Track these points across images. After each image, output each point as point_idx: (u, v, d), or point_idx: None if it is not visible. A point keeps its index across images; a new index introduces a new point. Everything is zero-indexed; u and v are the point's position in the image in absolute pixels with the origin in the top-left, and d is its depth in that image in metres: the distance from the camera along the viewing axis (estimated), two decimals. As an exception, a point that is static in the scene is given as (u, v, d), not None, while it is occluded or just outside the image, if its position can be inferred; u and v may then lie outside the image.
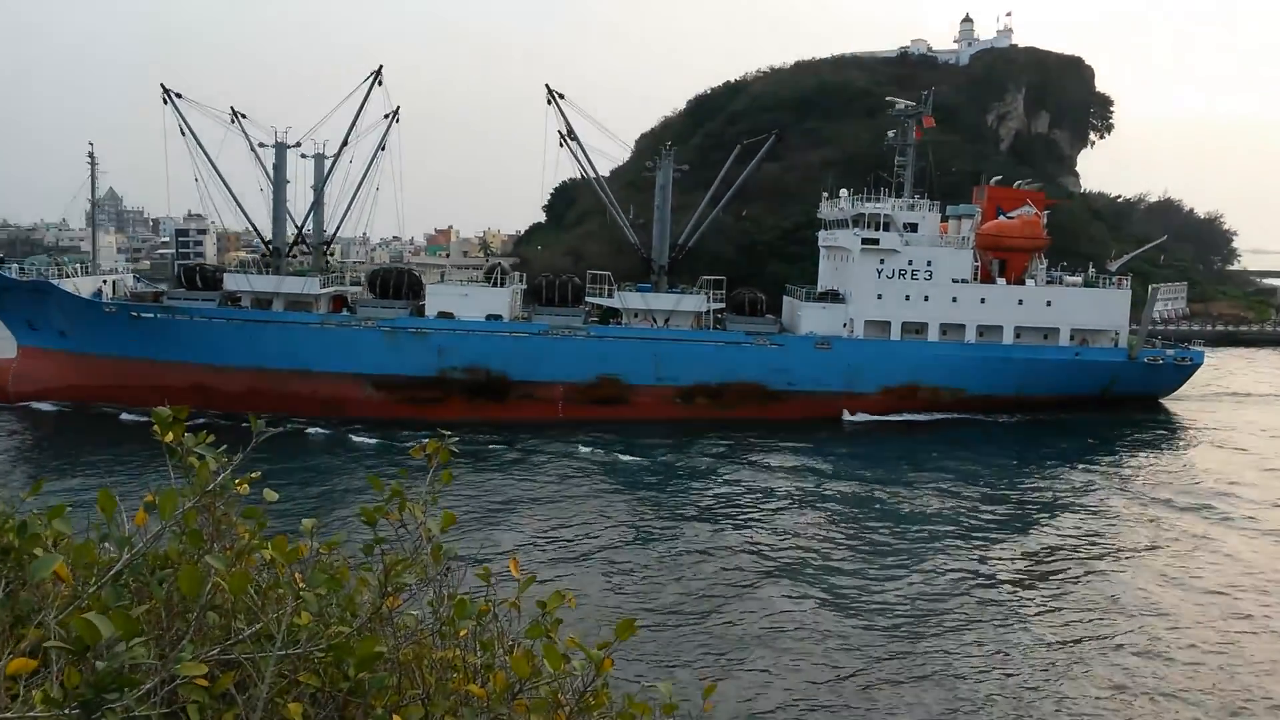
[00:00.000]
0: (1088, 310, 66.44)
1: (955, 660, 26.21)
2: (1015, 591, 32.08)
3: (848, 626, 28.27)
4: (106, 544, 3.73)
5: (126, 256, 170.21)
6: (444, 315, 62.60)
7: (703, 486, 45.89)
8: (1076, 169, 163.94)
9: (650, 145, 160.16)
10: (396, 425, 57.19)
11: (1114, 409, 64.66)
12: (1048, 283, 67.27)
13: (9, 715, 2.41)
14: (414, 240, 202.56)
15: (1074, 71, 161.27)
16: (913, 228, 66.48)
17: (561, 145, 65.56)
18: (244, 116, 65.41)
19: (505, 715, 3.42)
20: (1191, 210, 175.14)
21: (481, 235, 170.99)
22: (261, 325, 61.29)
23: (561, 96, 65.21)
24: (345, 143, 66.51)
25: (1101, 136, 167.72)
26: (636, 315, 64.76)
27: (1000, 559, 35.65)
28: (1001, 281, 66.65)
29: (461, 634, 3.75)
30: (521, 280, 71.41)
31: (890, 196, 68.39)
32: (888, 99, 76.43)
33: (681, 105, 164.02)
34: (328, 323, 62.06)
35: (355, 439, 54.83)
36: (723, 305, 66.43)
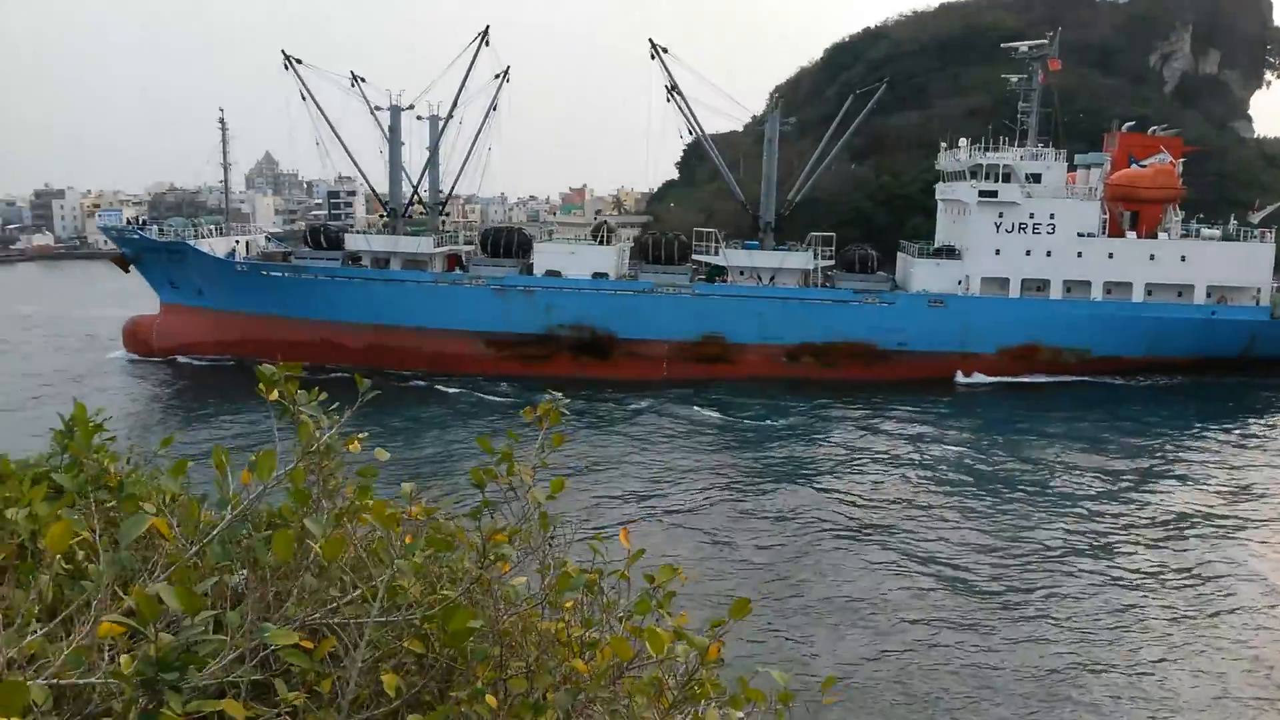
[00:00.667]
0: (1226, 265, 61.88)
1: (1064, 630, 25.38)
2: (1130, 566, 30.80)
3: (954, 600, 27.52)
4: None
5: (283, 218, 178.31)
6: (551, 273, 63.37)
7: (804, 451, 45.03)
8: (1249, 112, 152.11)
9: (786, 96, 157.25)
10: (507, 381, 58.46)
11: (1256, 372, 60.35)
12: (1183, 236, 62.95)
13: (62, 680, 2.37)
14: (550, 199, 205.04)
15: (1248, 4, 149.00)
16: (1036, 178, 63.26)
17: (669, 101, 64.60)
18: (363, 80, 67.34)
19: (609, 694, 3.24)
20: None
21: (615, 193, 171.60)
22: (379, 284, 63.20)
23: (665, 50, 64.32)
24: (455, 104, 67.88)
25: (1279, 76, 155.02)
26: (742, 273, 64.12)
27: (1116, 531, 34.14)
28: (1132, 235, 62.89)
29: (568, 605, 3.58)
30: (630, 239, 71.90)
31: (1013, 146, 65.09)
32: (1002, 44, 71.53)
33: (819, 54, 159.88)
34: (440, 281, 63.74)
35: (481, 395, 56.02)
36: (832, 262, 64.90)
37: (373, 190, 73.23)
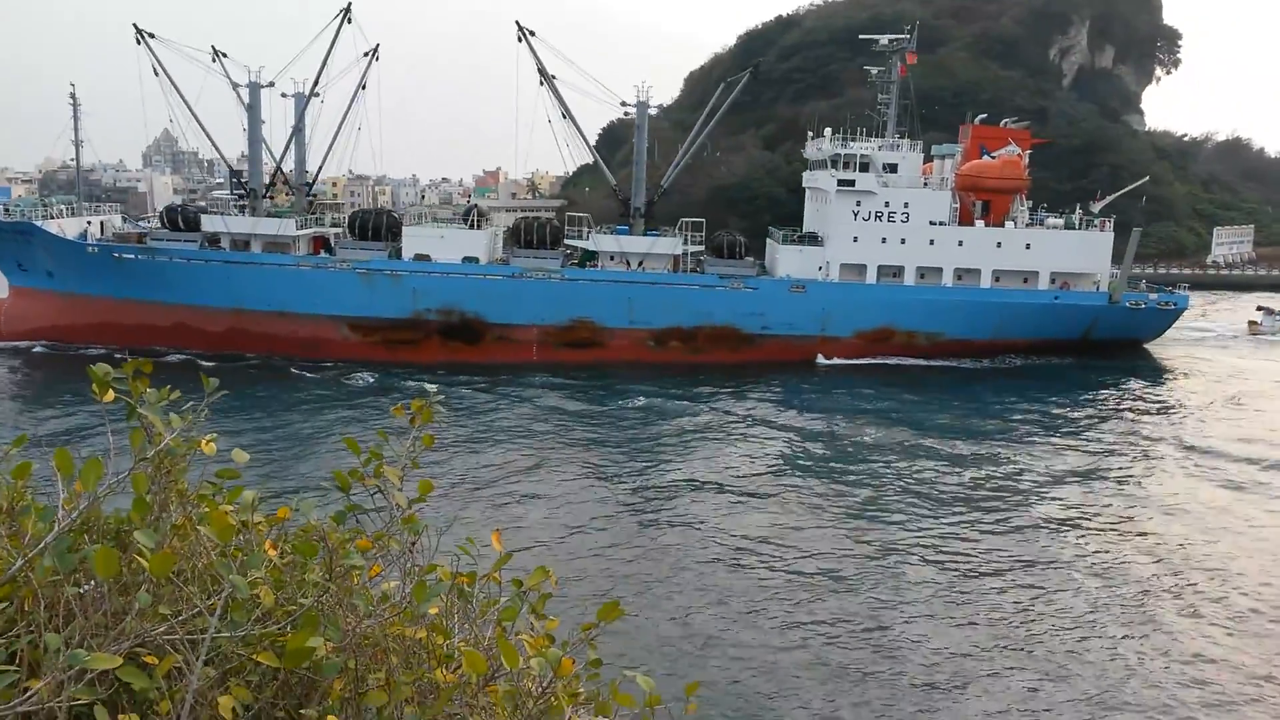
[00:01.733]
0: (1068, 253, 65.09)
1: (909, 618, 26.44)
2: (968, 546, 32.17)
3: (823, 594, 27.91)
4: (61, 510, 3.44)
5: (183, 197, 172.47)
6: (420, 258, 62.42)
7: (671, 435, 45.38)
8: (1141, 106, 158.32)
9: (699, 83, 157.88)
10: (376, 367, 57.39)
11: (1096, 353, 64.04)
12: (1028, 225, 65.87)
13: None
14: (463, 182, 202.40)
15: (1141, 4, 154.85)
16: (892, 168, 65.35)
17: (542, 85, 64.26)
18: (225, 56, 65.23)
19: (474, 705, 3.11)
20: (1262, 150, 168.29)
21: (529, 176, 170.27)
22: (240, 266, 61.43)
23: (533, 34, 63.88)
24: (316, 81, 66.69)
25: (1168, 72, 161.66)
26: (613, 258, 64.42)
27: (958, 505, 35.61)
28: (981, 224, 65.48)
29: (433, 611, 3.44)
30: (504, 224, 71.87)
31: (873, 137, 67.20)
32: (862, 36, 73.59)
33: (732, 42, 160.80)
34: (303, 264, 62.23)
35: (344, 381, 54.72)
36: (702, 248, 65.84)
37: (230, 169, 70.94)
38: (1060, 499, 36.04)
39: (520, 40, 63.88)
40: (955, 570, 28.83)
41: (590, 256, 65.05)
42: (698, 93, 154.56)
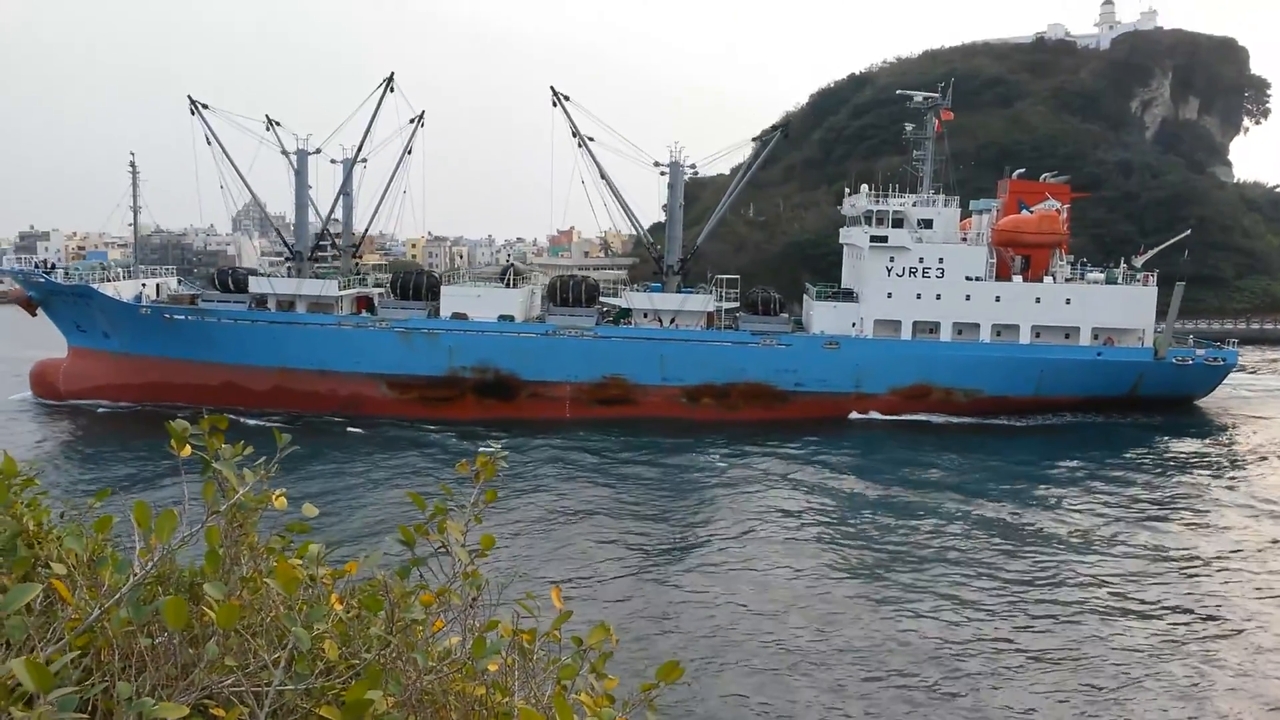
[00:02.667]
0: (1110, 308, 63.84)
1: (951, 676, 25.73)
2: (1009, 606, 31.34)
3: (856, 646, 27.56)
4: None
5: (269, 259, 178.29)
6: (458, 316, 63.61)
7: (703, 493, 45.14)
8: (1229, 158, 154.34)
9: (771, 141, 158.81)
10: (414, 424, 58.31)
11: (1143, 410, 62.42)
12: (1068, 280, 64.85)
13: None
14: (536, 241, 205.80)
15: (1226, 54, 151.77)
16: (927, 224, 65.17)
17: (581, 146, 65.16)
18: (278, 124, 67.83)
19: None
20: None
21: (602, 235, 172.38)
22: (284, 327, 63.45)
23: (567, 99, 64.99)
24: (360, 147, 69.35)
25: (1257, 122, 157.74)
26: (645, 315, 64.82)
27: (999, 579, 34.68)
28: (1019, 279, 64.83)
29: (492, 667, 3.45)
30: (539, 282, 73.06)
31: (907, 193, 67.25)
32: (899, 91, 73.24)
33: (804, 100, 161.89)
34: (344, 324, 63.70)
35: (398, 437, 55.64)
36: (737, 304, 66.09)
37: (279, 233, 73.83)
38: (1110, 572, 34.69)
39: (555, 105, 65.02)
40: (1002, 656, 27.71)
41: (625, 314, 65.64)
42: (767, 150, 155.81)
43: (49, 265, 73.33)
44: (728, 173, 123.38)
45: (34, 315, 66.82)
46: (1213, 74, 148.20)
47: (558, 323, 63.23)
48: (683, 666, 3.32)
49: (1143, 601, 30.72)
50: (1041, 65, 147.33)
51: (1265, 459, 51.86)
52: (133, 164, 71.15)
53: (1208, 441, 56.85)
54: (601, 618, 3.73)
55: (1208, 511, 41.72)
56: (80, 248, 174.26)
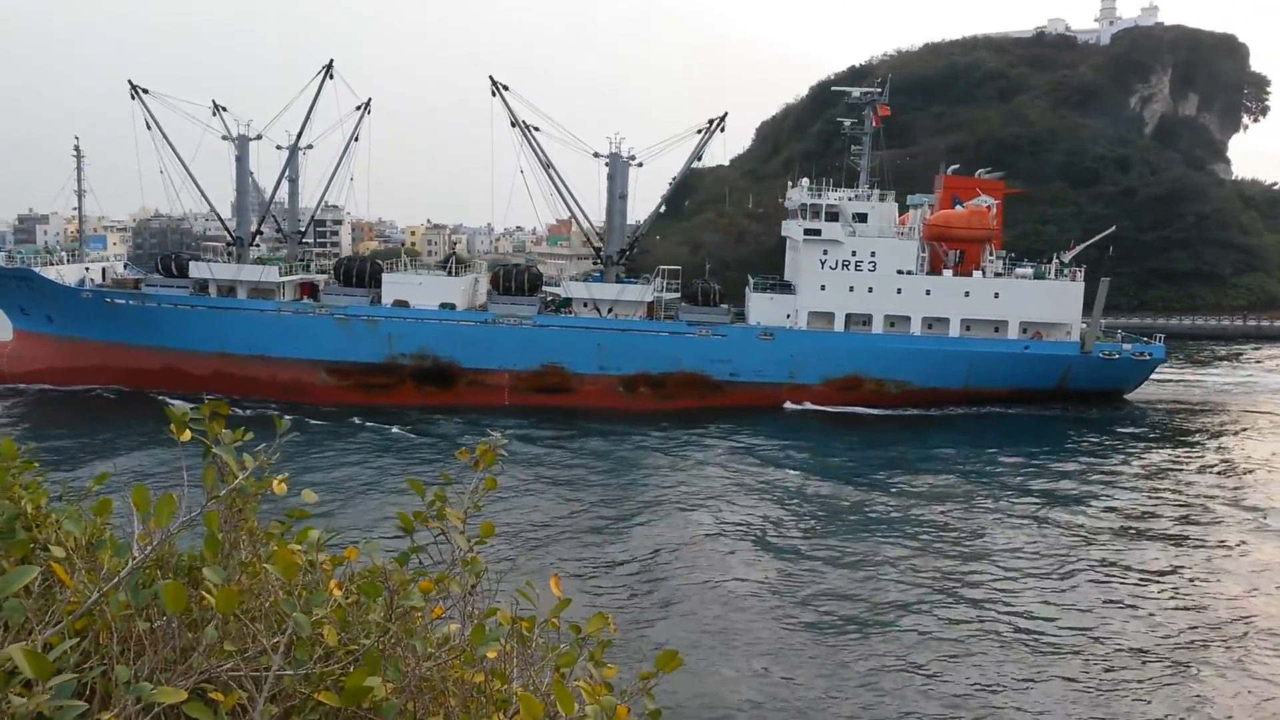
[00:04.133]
0: (1038, 303, 64.92)
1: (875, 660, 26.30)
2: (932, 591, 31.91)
3: (787, 628, 28.03)
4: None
5: (268, 245, 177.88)
6: (399, 304, 63.77)
7: (639, 478, 45.72)
8: (1228, 154, 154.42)
9: (771, 133, 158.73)
10: (353, 410, 58.18)
11: (1073, 403, 63.41)
12: (997, 275, 65.82)
13: None
14: (536, 230, 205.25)
15: (1226, 50, 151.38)
16: (862, 218, 66.00)
17: (525, 136, 65.04)
18: (225, 110, 68.25)
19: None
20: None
21: (601, 225, 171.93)
22: (224, 312, 63.67)
23: (506, 88, 64.95)
24: (300, 134, 69.40)
25: (1256, 120, 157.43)
26: (585, 305, 65.11)
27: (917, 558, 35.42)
28: (948, 273, 65.71)
29: (491, 655, 3.45)
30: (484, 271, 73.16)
31: (844, 187, 68.16)
32: (834, 89, 73.70)
33: (804, 92, 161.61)
34: (284, 309, 63.81)
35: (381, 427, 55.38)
36: (678, 295, 66.37)
37: (220, 220, 73.91)
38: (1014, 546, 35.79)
39: (494, 95, 64.84)
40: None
41: (567, 303, 65.95)
42: (769, 142, 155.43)
43: None
44: (727, 164, 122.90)
45: None
46: (1213, 70, 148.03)
47: (497, 311, 63.59)
48: (681, 656, 3.32)
49: (1066, 580, 31.52)
50: (1041, 60, 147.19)
51: (1188, 445, 53.44)
52: (77, 147, 70.91)
53: (1129, 432, 58.32)
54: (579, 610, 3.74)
55: (1114, 496, 42.87)
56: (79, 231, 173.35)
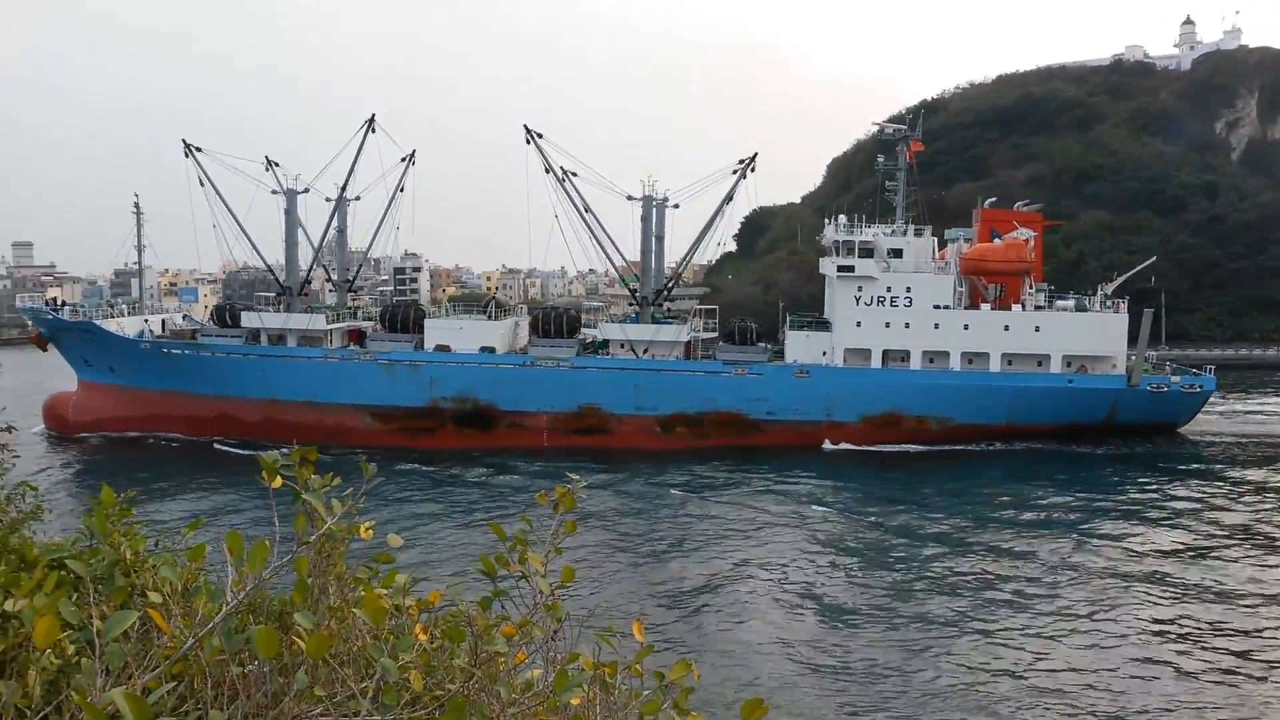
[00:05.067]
0: (1080, 335, 63.64)
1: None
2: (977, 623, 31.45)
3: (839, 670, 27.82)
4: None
5: (338, 295, 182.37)
6: (441, 348, 65.06)
7: (673, 519, 45.68)
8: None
9: (842, 170, 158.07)
10: (397, 454, 58.51)
11: (1123, 438, 61.53)
12: (1038, 308, 64.60)
13: None
14: (609, 272, 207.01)
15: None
16: (897, 254, 65.55)
17: (564, 182, 65.98)
18: (277, 165, 70.90)
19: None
20: None
21: (674, 265, 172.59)
22: (273, 359, 65.89)
23: (540, 136, 66.01)
24: (344, 187, 71.60)
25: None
26: (622, 346, 65.49)
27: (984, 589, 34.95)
28: (986, 307, 64.81)
29: (575, 701, 3.44)
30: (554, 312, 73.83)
31: (879, 224, 67.93)
32: (873, 123, 73.26)
33: (875, 128, 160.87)
34: (331, 356, 65.67)
35: (452, 472, 56.02)
36: (715, 334, 66.71)
37: (270, 271, 76.47)
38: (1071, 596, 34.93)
39: (529, 143, 66.17)
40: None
41: (604, 345, 66.46)
42: (840, 178, 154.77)
43: (58, 303, 75.67)
44: (799, 201, 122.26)
45: (45, 350, 70.10)
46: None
47: (535, 354, 64.39)
48: (768, 704, 3.26)
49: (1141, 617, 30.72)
50: (1120, 87, 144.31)
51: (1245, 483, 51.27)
52: (136, 205, 74.37)
53: (1181, 469, 56.30)
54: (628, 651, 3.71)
55: (1173, 527, 41.61)
56: (172, 284, 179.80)
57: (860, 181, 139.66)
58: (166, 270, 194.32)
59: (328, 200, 72.92)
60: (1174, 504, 47.51)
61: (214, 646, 3.12)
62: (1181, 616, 31.48)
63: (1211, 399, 65.23)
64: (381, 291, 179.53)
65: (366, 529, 3.85)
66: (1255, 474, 53.71)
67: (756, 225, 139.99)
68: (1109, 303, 64.85)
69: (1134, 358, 63.09)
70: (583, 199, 66.71)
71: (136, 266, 79.29)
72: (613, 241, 68.52)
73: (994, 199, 73.62)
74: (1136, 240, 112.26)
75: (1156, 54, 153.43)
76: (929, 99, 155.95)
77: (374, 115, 70.59)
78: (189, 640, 3.11)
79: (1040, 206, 73.83)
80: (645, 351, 64.93)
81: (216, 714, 2.78)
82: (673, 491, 51.19)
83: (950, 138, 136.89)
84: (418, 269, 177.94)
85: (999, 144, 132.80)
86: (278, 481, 3.53)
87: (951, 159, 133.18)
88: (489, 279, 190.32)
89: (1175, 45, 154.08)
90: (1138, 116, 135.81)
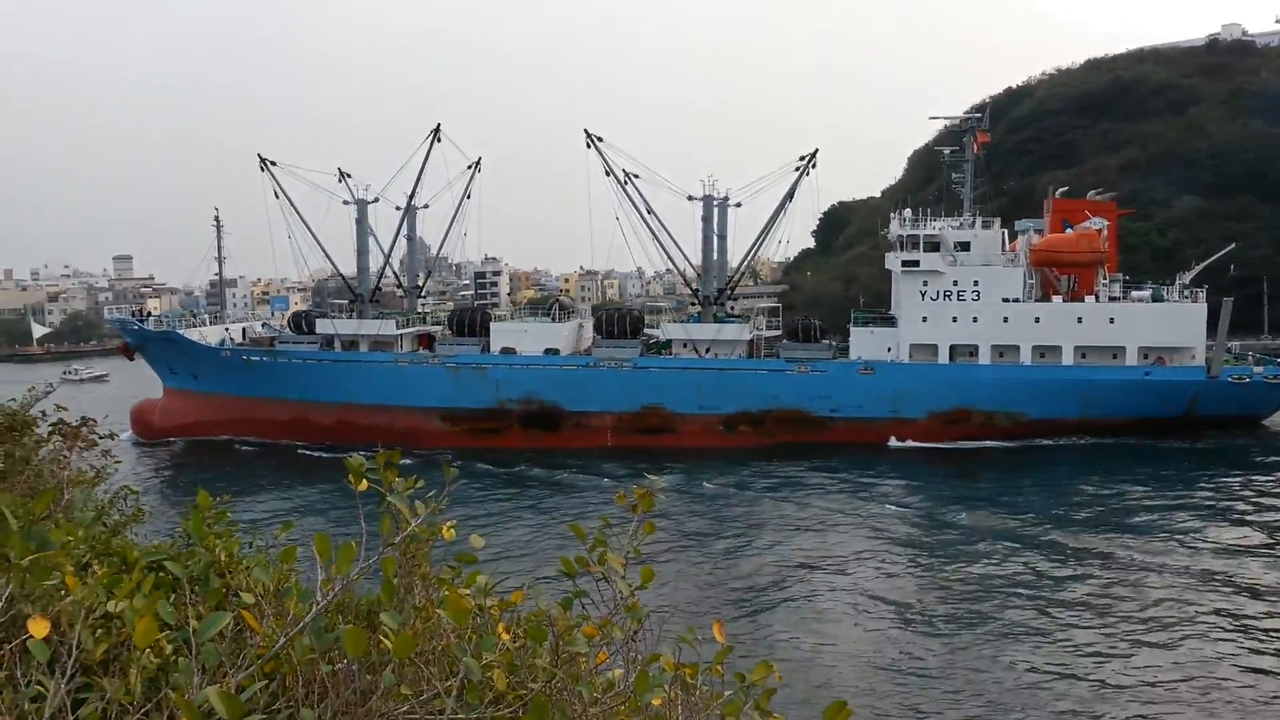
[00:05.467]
0: (1157, 327, 61.65)
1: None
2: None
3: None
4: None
5: (433, 298, 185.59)
6: (506, 351, 66.47)
7: (740, 517, 45.53)
8: None
9: (923, 161, 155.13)
10: (465, 454, 59.40)
11: (1204, 431, 59.28)
12: (1112, 299, 62.67)
13: None
14: (686, 272, 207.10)
15: None
16: (964, 246, 64.49)
17: (626, 183, 66.84)
18: (349, 176, 73.06)
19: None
20: None
21: (739, 263, 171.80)
22: (346, 365, 67.92)
23: (600, 139, 66.71)
24: (412, 195, 73.28)
25: None
26: (685, 345, 65.90)
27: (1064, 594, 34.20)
28: (1058, 299, 63.34)
29: (656, 702, 3.45)
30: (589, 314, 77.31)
31: (948, 216, 67.00)
32: (931, 116, 71.10)
33: (936, 121, 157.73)
34: (401, 360, 67.53)
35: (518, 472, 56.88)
36: (778, 332, 66.81)
37: (343, 278, 79.07)
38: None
39: (589, 146, 67.19)
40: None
41: (667, 345, 67.00)
42: (921, 170, 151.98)
43: (144, 314, 79.13)
44: (879, 195, 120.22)
45: (131, 359, 73.57)
46: None
47: (599, 354, 65.27)
48: (851, 707, 3.22)
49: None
50: (1217, 68, 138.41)
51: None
52: (217, 219, 77.74)
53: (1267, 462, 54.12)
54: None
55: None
56: (264, 293, 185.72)
57: (943, 172, 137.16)
58: (259, 280, 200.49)
59: (398, 209, 75.11)
60: (1258, 499, 45.88)
61: (304, 645, 3.20)
62: (1266, 616, 30.39)
63: None
64: (462, 295, 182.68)
65: (449, 529, 3.91)
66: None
67: (836, 220, 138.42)
68: (1186, 292, 62.84)
69: (1214, 348, 60.94)
70: (645, 201, 67.53)
71: (228, 278, 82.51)
72: (675, 242, 69.39)
73: (1065, 188, 71.68)
74: (1237, 226, 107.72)
75: (1256, 31, 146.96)
76: (1014, 86, 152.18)
77: (439, 125, 72.44)
78: (280, 639, 3.20)
79: (1115, 195, 71.77)
80: (708, 351, 65.31)
81: (307, 713, 2.86)
82: (737, 490, 51.14)
83: (1038, 125, 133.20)
84: (498, 273, 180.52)
85: (1089, 130, 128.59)
86: (363, 484, 3.62)
87: (1040, 146, 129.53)
88: (567, 281, 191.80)
89: (1277, 21, 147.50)
90: (1236, 97, 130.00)
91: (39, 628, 2.82)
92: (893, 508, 46.38)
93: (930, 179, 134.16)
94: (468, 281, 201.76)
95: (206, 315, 77.23)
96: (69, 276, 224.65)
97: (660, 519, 43.49)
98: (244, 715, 2.54)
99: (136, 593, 3.30)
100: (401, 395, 65.70)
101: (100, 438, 7.41)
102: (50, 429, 7.20)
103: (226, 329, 73.39)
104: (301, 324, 72.85)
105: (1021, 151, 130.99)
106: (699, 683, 3.61)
